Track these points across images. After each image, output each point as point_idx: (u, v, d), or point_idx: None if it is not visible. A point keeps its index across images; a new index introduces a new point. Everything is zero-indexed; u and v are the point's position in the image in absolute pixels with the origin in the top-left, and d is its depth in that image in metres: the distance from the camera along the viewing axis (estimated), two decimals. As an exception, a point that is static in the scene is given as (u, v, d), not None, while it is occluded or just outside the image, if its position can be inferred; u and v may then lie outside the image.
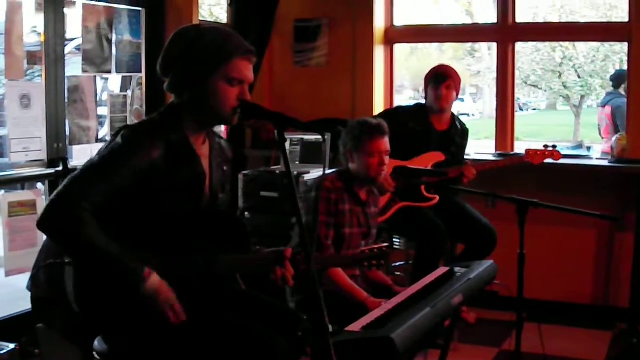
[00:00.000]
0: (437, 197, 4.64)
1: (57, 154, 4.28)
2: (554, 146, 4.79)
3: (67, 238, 2.37)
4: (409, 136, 4.61)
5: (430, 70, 4.81)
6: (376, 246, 3.04)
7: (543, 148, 4.78)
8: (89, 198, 2.35)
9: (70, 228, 2.33)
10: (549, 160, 4.78)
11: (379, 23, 6.09)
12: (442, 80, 4.67)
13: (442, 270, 3.38)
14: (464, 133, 4.91)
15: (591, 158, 5.63)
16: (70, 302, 2.88)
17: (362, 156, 3.62)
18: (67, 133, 4.40)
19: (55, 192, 2.40)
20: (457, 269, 3.33)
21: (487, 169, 4.80)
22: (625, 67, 5.56)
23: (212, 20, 6.59)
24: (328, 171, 3.82)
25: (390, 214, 4.57)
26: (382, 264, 3.01)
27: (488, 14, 11.73)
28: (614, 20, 11.16)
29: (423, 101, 4.90)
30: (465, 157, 4.97)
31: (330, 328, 2.24)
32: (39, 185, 4.58)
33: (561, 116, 17.47)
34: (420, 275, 3.36)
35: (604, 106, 6.60)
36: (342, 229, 3.59)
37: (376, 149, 3.61)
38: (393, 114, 4.90)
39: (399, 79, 6.41)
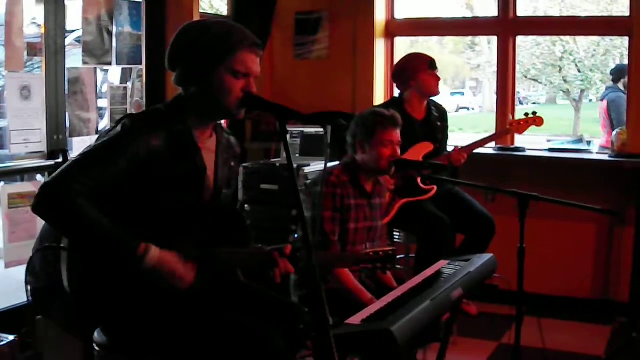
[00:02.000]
0: (435, 188, 4.64)
1: (57, 146, 4.28)
2: (534, 112, 4.84)
3: (61, 219, 2.36)
4: None
5: (419, 56, 4.78)
6: (382, 249, 3.02)
7: (524, 117, 4.81)
8: (83, 181, 2.34)
9: (64, 209, 2.32)
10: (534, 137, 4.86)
11: (380, 16, 6.08)
12: (435, 66, 4.70)
13: (442, 263, 3.37)
14: (442, 114, 4.91)
15: (591, 152, 5.63)
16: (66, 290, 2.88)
17: (374, 147, 3.60)
18: (67, 125, 4.39)
19: (51, 175, 2.39)
20: (457, 263, 3.33)
21: (477, 148, 4.80)
22: (626, 61, 5.55)
23: (212, 12, 6.57)
24: (333, 164, 3.82)
25: (393, 213, 4.56)
26: (389, 267, 2.99)
27: (488, 8, 11.71)
28: (614, 14, 11.16)
29: (396, 95, 4.90)
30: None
31: (331, 321, 2.23)
32: (39, 177, 4.57)
33: (561, 110, 17.45)
34: (424, 269, 3.36)
35: (602, 100, 6.61)
36: (347, 224, 3.58)
37: (389, 139, 3.61)
38: None
39: (399, 72, 6.39)
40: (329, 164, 3.61)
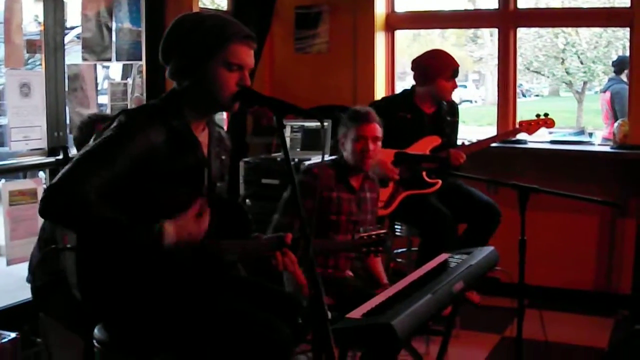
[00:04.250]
0: (440, 182, 4.62)
1: (57, 143, 4.28)
2: (546, 114, 4.81)
3: (72, 220, 2.36)
4: (401, 125, 4.57)
5: (446, 62, 4.65)
6: (374, 232, 3.04)
7: (535, 118, 4.78)
8: (89, 181, 2.33)
9: (74, 210, 2.32)
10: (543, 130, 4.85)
11: (380, 9, 6.06)
12: (457, 74, 4.66)
13: (443, 256, 3.37)
14: (452, 109, 4.87)
15: (593, 144, 5.61)
16: (70, 289, 2.89)
17: (350, 143, 3.73)
18: (68, 121, 4.39)
19: (55, 178, 2.37)
20: (458, 256, 3.32)
21: (485, 147, 4.78)
22: (628, 52, 5.53)
23: (212, 7, 6.56)
24: (326, 158, 3.87)
25: (396, 204, 4.55)
26: (381, 250, 3.02)
27: (489, 0, 11.71)
28: (616, 5, 11.10)
29: (408, 87, 4.86)
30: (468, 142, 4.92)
31: (330, 315, 2.23)
32: (40, 173, 4.58)
33: (564, 102, 17.38)
34: (426, 262, 3.35)
35: (604, 92, 6.58)
36: (328, 215, 3.68)
37: (361, 134, 3.70)
38: (380, 105, 4.83)
39: (401, 65, 6.35)
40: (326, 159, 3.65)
